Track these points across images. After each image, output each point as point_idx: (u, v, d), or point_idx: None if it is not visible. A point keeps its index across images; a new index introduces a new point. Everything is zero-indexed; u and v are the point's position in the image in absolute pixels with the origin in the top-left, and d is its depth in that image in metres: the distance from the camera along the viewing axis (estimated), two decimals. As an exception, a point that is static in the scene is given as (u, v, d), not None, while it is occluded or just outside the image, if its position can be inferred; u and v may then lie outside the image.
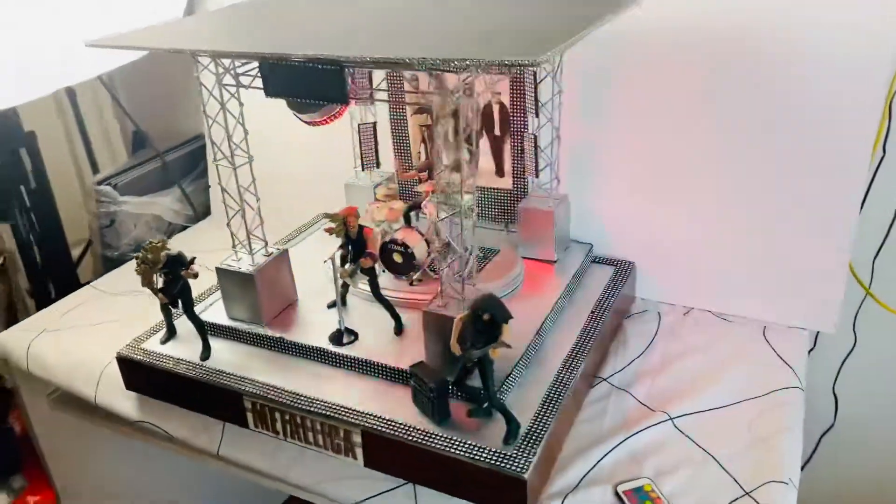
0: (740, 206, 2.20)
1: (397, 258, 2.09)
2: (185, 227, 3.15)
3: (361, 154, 2.49)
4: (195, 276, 1.95)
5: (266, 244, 2.11)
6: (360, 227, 1.93)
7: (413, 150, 2.52)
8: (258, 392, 1.89)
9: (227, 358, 2.04)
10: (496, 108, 2.30)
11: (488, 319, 1.57)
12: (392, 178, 2.55)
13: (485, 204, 2.46)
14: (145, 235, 2.95)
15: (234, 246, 2.07)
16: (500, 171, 2.40)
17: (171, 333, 2.14)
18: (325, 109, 1.71)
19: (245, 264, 2.06)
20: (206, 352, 2.05)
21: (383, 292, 2.10)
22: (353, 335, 2.00)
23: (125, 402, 2.19)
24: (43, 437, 2.58)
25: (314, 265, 2.18)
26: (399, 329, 2.01)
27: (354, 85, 1.58)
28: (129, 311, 2.44)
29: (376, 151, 2.47)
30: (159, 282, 1.98)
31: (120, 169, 2.86)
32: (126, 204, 2.83)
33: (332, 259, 1.90)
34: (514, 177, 2.38)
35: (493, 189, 2.43)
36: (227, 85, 1.83)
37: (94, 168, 3.22)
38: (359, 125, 2.43)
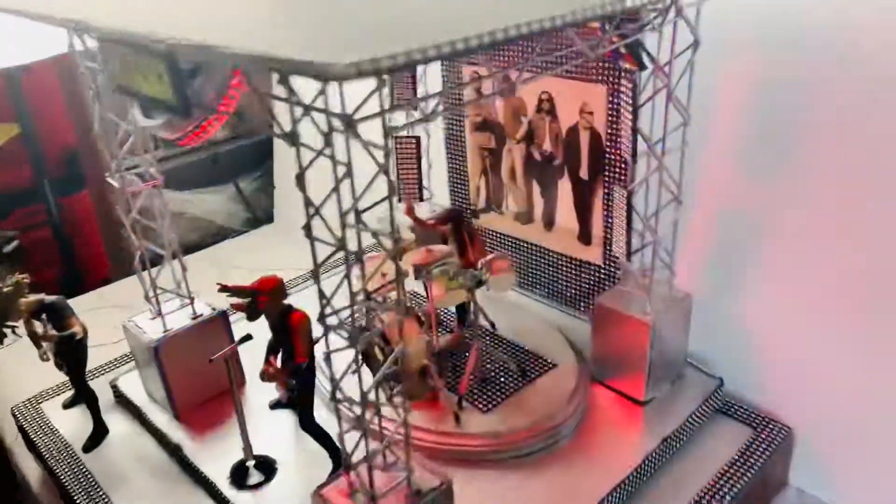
0: None
1: (377, 356, 1.31)
2: (241, 232, 2.60)
3: (398, 179, 1.73)
4: (70, 338, 1.33)
5: (192, 302, 1.44)
6: (288, 308, 1.19)
7: (472, 184, 1.71)
8: (108, 529, 1.24)
9: (114, 454, 1.44)
10: (584, 136, 1.42)
11: None
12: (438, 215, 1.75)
13: (560, 278, 1.59)
14: (184, 237, 2.44)
15: (146, 298, 1.43)
16: (585, 237, 1.51)
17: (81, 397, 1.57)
18: (178, 122, 0.98)
19: (155, 329, 1.41)
20: (92, 439, 1.45)
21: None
22: (267, 472, 1.28)
23: (32, 462, 1.66)
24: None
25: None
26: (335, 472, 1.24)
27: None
28: (110, 333, 1.86)
29: (419, 178, 1.69)
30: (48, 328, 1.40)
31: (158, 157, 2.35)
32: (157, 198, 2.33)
33: (226, 360, 1.18)
34: (605, 248, 1.48)
35: (574, 260, 1.55)
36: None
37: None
38: (395, 139, 1.67)
